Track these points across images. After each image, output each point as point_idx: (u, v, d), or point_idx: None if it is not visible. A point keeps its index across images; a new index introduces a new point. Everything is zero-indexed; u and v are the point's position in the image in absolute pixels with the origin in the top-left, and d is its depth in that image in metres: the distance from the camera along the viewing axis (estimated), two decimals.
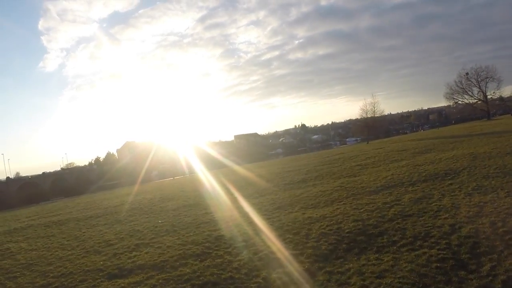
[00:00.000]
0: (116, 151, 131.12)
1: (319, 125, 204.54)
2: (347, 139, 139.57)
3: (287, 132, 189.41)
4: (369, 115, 55.87)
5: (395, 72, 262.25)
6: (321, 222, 10.06)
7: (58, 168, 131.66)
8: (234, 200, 16.11)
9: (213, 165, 56.51)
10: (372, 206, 11.17)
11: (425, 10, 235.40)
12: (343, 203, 12.32)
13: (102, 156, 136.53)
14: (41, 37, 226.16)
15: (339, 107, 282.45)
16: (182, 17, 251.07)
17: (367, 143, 54.02)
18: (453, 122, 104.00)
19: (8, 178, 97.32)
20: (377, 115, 57.29)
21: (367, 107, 55.99)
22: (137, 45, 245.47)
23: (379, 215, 10.06)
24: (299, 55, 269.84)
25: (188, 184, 27.42)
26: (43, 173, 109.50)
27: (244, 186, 20.80)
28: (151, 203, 19.46)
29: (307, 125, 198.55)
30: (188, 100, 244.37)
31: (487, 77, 77.45)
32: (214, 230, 10.73)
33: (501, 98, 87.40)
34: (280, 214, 11.94)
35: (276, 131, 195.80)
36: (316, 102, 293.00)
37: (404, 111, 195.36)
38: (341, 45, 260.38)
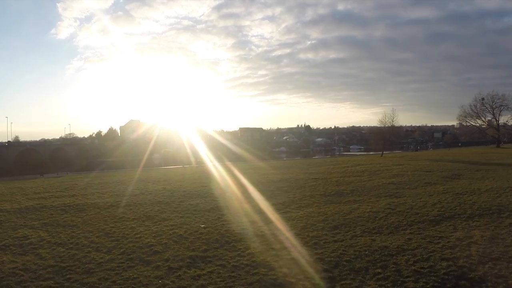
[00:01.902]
0: (119, 128, 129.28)
1: (321, 128, 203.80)
2: (351, 147, 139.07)
3: (290, 131, 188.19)
4: (387, 128, 54.52)
5: (403, 85, 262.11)
6: (404, 256, 8.92)
7: (58, 137, 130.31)
8: (275, 208, 14.68)
9: (221, 156, 55.10)
10: (447, 241, 10.07)
11: (440, 28, 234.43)
12: (410, 232, 11.12)
13: (104, 131, 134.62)
14: (57, 3, 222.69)
15: (343, 113, 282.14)
16: (198, 3, 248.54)
17: (382, 155, 52.87)
18: (459, 144, 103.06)
19: (9, 142, 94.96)
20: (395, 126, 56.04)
21: (386, 118, 54.76)
22: (150, 25, 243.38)
23: (464, 254, 9.02)
24: (309, 55, 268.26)
25: (205, 178, 25.81)
26: (44, 140, 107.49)
27: (273, 190, 19.44)
28: (175, 197, 17.88)
29: (310, 126, 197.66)
30: (194, 86, 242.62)
31: (502, 105, 76.81)
32: (279, 249, 9.30)
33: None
34: (344, 237, 10.56)
35: (278, 128, 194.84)
36: (321, 104, 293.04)
37: (407, 125, 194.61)
38: (352, 51, 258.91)
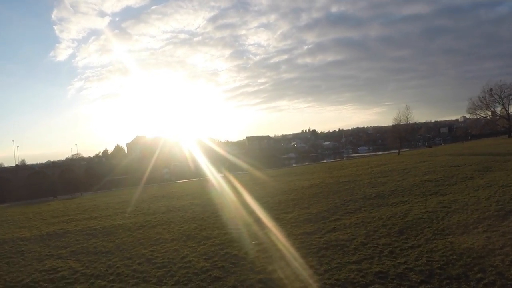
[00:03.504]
0: (126, 145, 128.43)
1: (326, 131, 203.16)
2: (359, 148, 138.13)
3: (297, 137, 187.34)
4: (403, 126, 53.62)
5: (403, 83, 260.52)
6: (496, 256, 8.04)
7: (64, 158, 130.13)
8: (323, 216, 13.55)
9: (232, 167, 54.04)
10: None
11: (435, 23, 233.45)
12: (483, 230, 10.09)
13: (110, 149, 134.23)
14: (54, 26, 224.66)
15: (346, 115, 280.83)
16: (193, 16, 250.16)
17: (399, 153, 51.72)
18: (469, 137, 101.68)
19: (17, 166, 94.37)
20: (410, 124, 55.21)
21: (401, 116, 53.82)
22: (147, 41, 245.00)
23: None
24: (308, 60, 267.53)
25: (231, 190, 24.49)
26: (53, 162, 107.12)
27: (310, 197, 18.26)
28: (209, 211, 16.55)
29: (316, 130, 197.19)
30: (196, 99, 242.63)
31: (510, 94, 75.81)
32: (357, 262, 8.16)
33: None
34: (418, 241, 9.42)
35: (283, 134, 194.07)
36: (323, 108, 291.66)
37: (411, 122, 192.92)
38: (350, 52, 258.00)
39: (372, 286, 6.86)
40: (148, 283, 8.35)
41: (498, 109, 79.63)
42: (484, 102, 78.22)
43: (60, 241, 13.66)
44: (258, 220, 13.70)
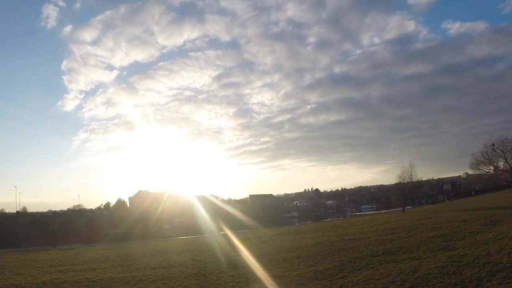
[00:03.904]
0: (128, 199, 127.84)
1: (329, 190, 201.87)
2: (362, 207, 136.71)
3: (299, 196, 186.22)
4: (406, 182, 53.49)
5: (405, 141, 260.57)
6: None
7: (66, 208, 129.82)
8: (330, 274, 13.13)
9: (235, 225, 53.26)
10: None
11: (435, 81, 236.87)
12: (498, 283, 9.81)
13: (112, 202, 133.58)
14: (63, 76, 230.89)
15: (348, 174, 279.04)
16: (199, 74, 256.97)
17: (403, 211, 51.03)
18: (472, 193, 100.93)
19: (18, 212, 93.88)
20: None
21: (405, 174, 53.81)
22: (153, 96, 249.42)
23: None
24: (310, 119, 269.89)
25: (232, 247, 23.93)
26: (54, 212, 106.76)
27: (316, 255, 17.81)
28: (211, 268, 16.02)
29: (319, 189, 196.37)
30: (199, 156, 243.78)
31: None
32: None
33: None
34: None
35: (285, 193, 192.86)
36: (326, 167, 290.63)
37: (415, 179, 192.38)
38: (352, 112, 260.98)
39: None
40: None
41: (501, 164, 79.65)
42: (487, 157, 78.25)
43: None
44: (262, 278, 13.32)
